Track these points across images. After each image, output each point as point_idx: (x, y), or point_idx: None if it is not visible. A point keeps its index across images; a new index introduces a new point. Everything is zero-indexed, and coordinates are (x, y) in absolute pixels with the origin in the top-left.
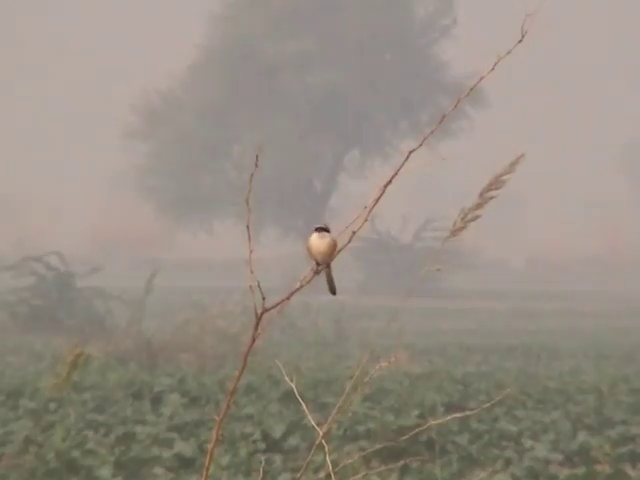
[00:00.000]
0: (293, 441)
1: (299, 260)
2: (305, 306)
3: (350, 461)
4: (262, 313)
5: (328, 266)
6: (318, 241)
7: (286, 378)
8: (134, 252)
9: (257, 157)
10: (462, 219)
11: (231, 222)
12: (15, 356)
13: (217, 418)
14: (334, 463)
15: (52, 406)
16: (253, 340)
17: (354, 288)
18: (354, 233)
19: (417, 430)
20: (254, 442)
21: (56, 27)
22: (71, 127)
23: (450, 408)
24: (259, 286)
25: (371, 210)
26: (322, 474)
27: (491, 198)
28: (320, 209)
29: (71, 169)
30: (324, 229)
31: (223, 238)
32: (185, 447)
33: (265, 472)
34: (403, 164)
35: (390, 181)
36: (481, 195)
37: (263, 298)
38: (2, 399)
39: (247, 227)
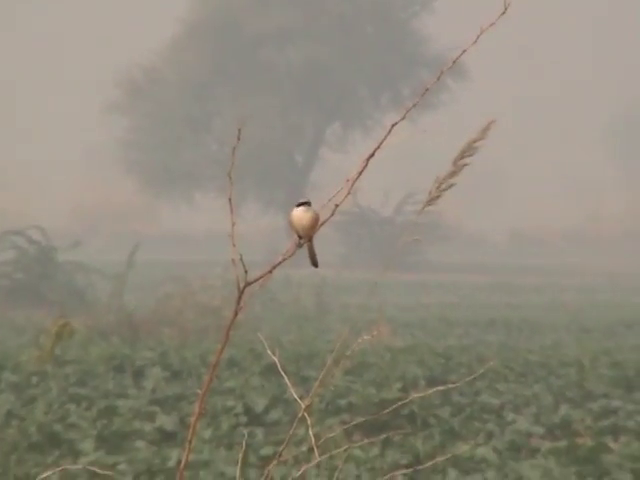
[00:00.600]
0: (275, 415)
1: (280, 234)
2: (286, 280)
3: (332, 435)
4: (245, 286)
5: (310, 239)
6: (301, 215)
7: (269, 352)
8: (115, 226)
9: (239, 131)
10: (437, 188)
11: (213, 195)
12: None
13: (199, 392)
14: (316, 436)
15: (34, 380)
16: (235, 314)
17: (336, 262)
18: (337, 206)
19: (399, 403)
20: (236, 416)
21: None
22: (51, 100)
23: (432, 381)
24: (242, 259)
25: (354, 183)
26: (304, 447)
27: (465, 165)
28: (301, 183)
29: (51, 142)
30: (307, 203)
31: (205, 212)
32: (167, 421)
33: (247, 446)
34: (386, 137)
35: (373, 154)
36: (454, 163)
37: (245, 271)
38: None
39: (229, 200)
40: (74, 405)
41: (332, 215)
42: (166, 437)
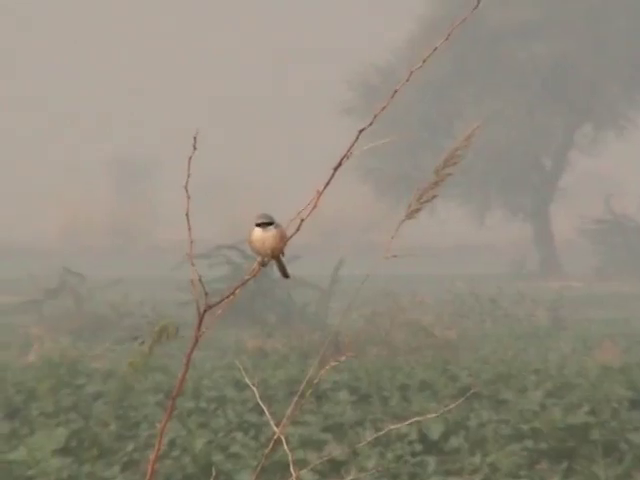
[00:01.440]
0: (454, 442)
1: (528, 243)
2: (519, 295)
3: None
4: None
5: (276, 257)
6: (260, 236)
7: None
8: (355, 237)
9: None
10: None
11: (454, 204)
12: (199, 351)
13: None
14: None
15: (212, 406)
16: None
17: (589, 273)
18: (302, 221)
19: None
20: (410, 444)
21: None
22: (291, 108)
23: (636, 404)
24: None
25: (321, 196)
26: (479, 476)
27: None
28: (549, 188)
29: (287, 152)
30: (266, 224)
31: (448, 222)
32: (337, 449)
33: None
34: None
35: None
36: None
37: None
38: (160, 398)
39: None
40: (241, 433)
41: (298, 231)
42: (335, 466)
